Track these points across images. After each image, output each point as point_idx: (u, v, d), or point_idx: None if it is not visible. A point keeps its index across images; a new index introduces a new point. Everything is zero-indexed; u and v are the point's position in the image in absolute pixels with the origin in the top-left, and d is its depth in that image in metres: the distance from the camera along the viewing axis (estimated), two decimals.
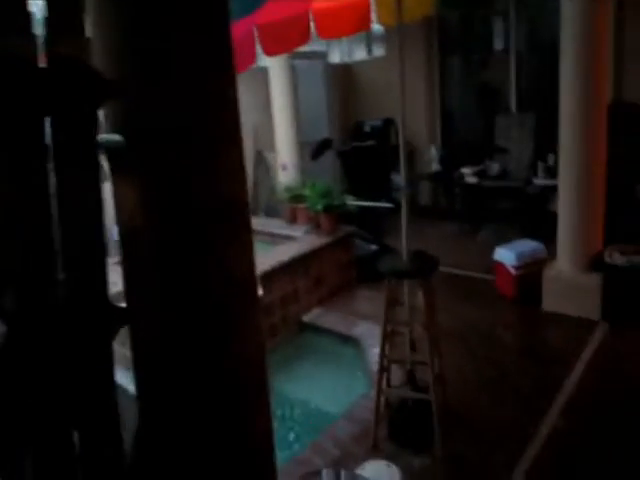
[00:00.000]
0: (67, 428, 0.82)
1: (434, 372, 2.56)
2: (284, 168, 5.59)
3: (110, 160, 0.98)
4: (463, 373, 3.18)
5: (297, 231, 4.62)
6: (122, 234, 1.01)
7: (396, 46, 2.57)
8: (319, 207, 4.43)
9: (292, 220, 4.84)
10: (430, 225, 6.10)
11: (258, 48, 3.78)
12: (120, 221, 1.01)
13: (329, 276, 4.37)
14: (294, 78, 5.75)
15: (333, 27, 3.84)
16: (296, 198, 4.78)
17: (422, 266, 2.68)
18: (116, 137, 0.98)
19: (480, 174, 5.94)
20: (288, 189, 4.96)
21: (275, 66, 5.60)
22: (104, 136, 0.94)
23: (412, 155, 6.91)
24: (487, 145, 6.28)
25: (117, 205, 1.00)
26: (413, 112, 6.31)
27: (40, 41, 0.81)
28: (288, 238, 4.55)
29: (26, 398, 0.78)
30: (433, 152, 6.72)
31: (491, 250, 4.40)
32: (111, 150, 0.96)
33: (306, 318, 4.08)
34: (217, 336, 1.04)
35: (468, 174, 5.97)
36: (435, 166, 6.65)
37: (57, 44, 0.80)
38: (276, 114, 5.71)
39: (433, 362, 2.56)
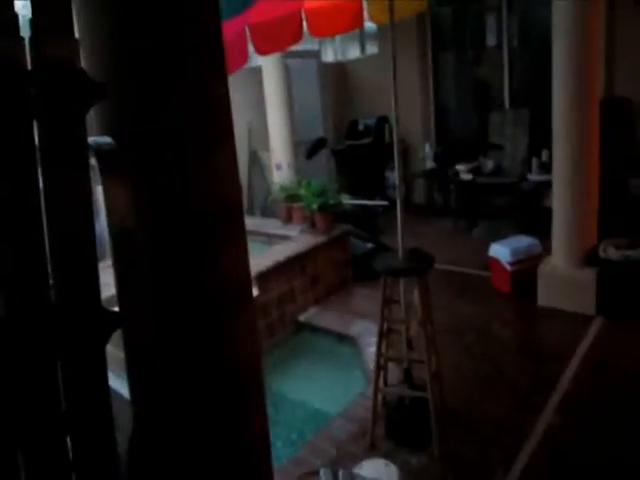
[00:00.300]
0: (60, 433, 0.81)
1: (431, 370, 2.56)
2: (279, 168, 5.58)
3: (101, 162, 0.97)
4: (460, 370, 3.19)
5: (293, 231, 4.61)
6: (114, 236, 1.01)
7: (389, 44, 2.57)
8: (314, 206, 4.43)
9: (288, 220, 4.84)
10: (425, 222, 6.11)
11: (250, 47, 3.77)
12: (112, 223, 1.00)
13: (325, 275, 4.37)
14: (288, 77, 5.74)
15: (326, 25, 3.84)
16: (291, 197, 4.78)
17: (418, 264, 2.68)
18: (107, 139, 0.97)
19: (475, 171, 5.95)
20: (283, 189, 4.95)
21: (268, 65, 5.59)
22: (94, 138, 0.94)
23: (406, 153, 6.91)
24: (481, 142, 6.29)
25: (108, 207, 1.00)
26: (407, 109, 6.30)
27: (27, 43, 0.80)
28: (284, 238, 4.55)
29: (18, 403, 0.78)
30: (427, 149, 6.73)
31: (486, 246, 4.41)
32: (102, 152, 0.95)
33: (303, 317, 4.07)
34: (212, 337, 1.03)
35: (463, 171, 5.97)
36: (430, 163, 6.65)
37: (45, 46, 0.79)
38: (270, 113, 5.70)
39: (430, 360, 2.56)
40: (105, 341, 0.85)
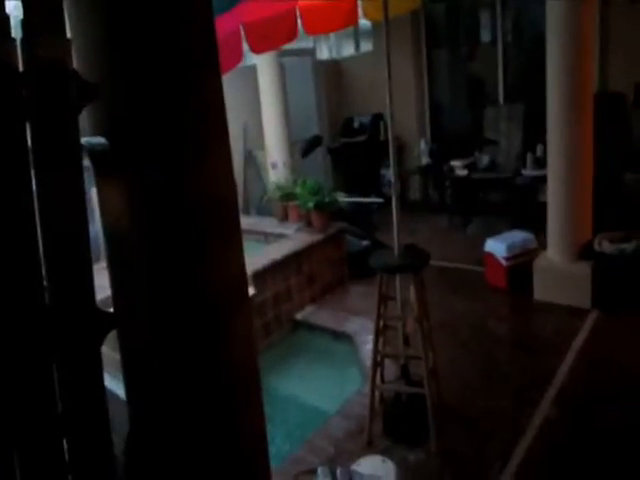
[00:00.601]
0: (56, 435, 0.81)
1: (428, 366, 2.57)
2: (274, 166, 5.58)
3: (94, 163, 0.97)
4: (456, 366, 3.20)
5: (289, 229, 4.61)
6: (108, 237, 1.01)
7: (383, 41, 2.57)
8: (310, 205, 4.43)
9: (284, 218, 4.83)
10: (421, 219, 6.12)
11: (245, 46, 3.76)
12: (106, 224, 1.00)
13: (321, 273, 4.37)
14: (282, 76, 5.73)
15: (320, 23, 3.83)
16: (287, 196, 4.78)
17: (413, 260, 2.69)
18: (100, 140, 0.97)
19: (470, 167, 5.96)
20: (279, 187, 4.94)
21: (263, 64, 5.58)
22: (88, 139, 0.93)
23: (402, 149, 6.92)
24: (476, 137, 6.30)
25: (102, 208, 0.99)
26: (402, 106, 6.31)
27: (19, 44, 0.79)
28: (280, 236, 4.55)
29: (13, 406, 0.77)
30: (423, 146, 6.73)
31: (481, 242, 4.42)
32: (95, 153, 0.95)
33: (299, 316, 4.07)
34: (207, 338, 1.03)
35: (458, 167, 5.98)
36: (425, 160, 6.66)
37: (36, 47, 0.79)
38: (265, 112, 5.69)
39: (427, 356, 2.57)
40: (100, 342, 0.85)
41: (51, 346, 0.81)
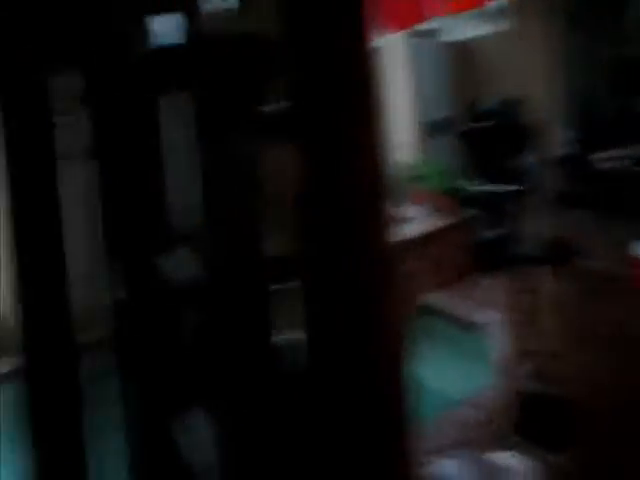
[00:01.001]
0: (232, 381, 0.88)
1: (566, 366, 2.40)
2: (402, 148, 5.52)
3: (275, 128, 1.02)
4: (599, 369, 2.93)
5: (416, 212, 4.54)
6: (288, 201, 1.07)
7: (516, 20, 2.39)
8: (439, 189, 4.32)
9: (411, 201, 4.77)
10: (559, 212, 5.67)
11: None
12: (284, 189, 1.06)
13: (449, 259, 4.25)
14: (409, 57, 5.63)
15: (453, 3, 3.73)
16: (415, 178, 4.70)
17: (556, 253, 2.51)
18: (283, 105, 1.01)
19: (620, 159, 5.38)
20: (407, 169, 4.88)
21: (390, 45, 5.53)
22: (273, 105, 0.98)
23: (539, 138, 6.43)
24: (630, 126, 5.65)
25: (282, 174, 1.05)
26: (538, 91, 5.86)
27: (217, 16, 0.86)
28: (407, 219, 4.49)
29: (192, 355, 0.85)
30: (564, 134, 6.21)
31: (628, 242, 3.96)
32: (277, 118, 0.99)
33: (425, 301, 4.00)
34: (368, 298, 1.05)
35: (606, 158, 5.44)
36: (566, 149, 6.14)
37: (240, 18, 0.84)
38: (392, 94, 5.63)
39: (565, 355, 2.40)
40: (269, 291, 0.91)
41: (221, 298, 0.88)
